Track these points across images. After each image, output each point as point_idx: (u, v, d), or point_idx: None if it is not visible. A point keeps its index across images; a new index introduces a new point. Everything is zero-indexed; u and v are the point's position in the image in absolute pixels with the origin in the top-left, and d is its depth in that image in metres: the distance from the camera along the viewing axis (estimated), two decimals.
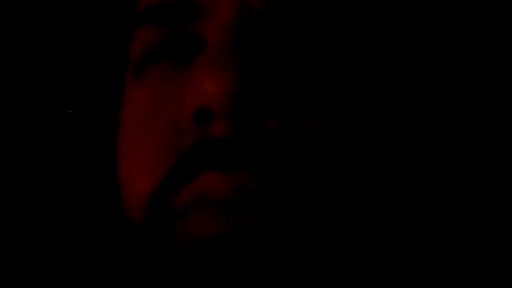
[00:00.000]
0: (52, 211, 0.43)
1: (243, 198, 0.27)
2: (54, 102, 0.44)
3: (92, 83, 0.43)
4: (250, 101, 0.27)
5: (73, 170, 0.43)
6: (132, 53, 0.34)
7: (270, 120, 0.28)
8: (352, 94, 0.29)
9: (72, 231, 0.42)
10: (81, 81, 0.43)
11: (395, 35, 0.32)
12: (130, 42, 0.34)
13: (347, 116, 0.29)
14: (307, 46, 0.30)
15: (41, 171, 0.43)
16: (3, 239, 0.43)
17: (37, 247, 0.42)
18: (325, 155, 0.28)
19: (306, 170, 0.28)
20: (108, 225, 0.39)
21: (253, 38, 0.28)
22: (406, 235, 0.32)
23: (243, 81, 0.27)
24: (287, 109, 0.28)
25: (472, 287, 0.34)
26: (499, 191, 0.35)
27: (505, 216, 0.35)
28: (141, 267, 0.32)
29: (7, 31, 0.45)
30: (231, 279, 0.27)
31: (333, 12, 0.30)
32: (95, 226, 0.41)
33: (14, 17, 0.45)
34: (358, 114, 0.29)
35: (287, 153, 0.27)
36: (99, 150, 0.40)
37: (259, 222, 0.27)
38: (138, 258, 0.32)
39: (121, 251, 0.37)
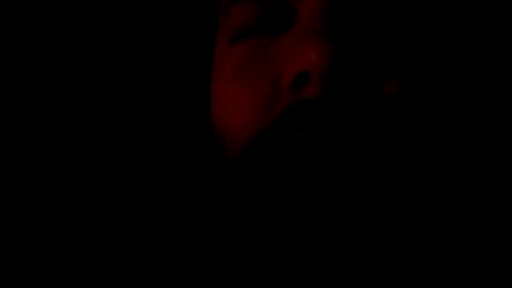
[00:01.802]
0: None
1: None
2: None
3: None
4: (341, 69, 0.33)
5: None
6: (226, 26, 0.39)
7: (355, 85, 0.33)
8: (428, 61, 0.34)
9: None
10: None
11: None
12: (220, 15, 0.41)
13: (420, 81, 0.34)
14: (389, 18, 0.35)
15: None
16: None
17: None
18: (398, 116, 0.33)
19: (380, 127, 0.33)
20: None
21: (342, 14, 0.34)
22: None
23: (337, 52, 0.33)
24: (370, 75, 0.34)
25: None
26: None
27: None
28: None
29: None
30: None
31: None
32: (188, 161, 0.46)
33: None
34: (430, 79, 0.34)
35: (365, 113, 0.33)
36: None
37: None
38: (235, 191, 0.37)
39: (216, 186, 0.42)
